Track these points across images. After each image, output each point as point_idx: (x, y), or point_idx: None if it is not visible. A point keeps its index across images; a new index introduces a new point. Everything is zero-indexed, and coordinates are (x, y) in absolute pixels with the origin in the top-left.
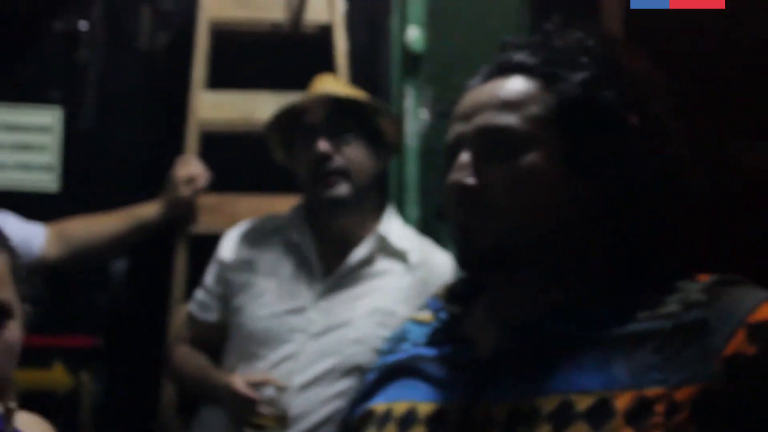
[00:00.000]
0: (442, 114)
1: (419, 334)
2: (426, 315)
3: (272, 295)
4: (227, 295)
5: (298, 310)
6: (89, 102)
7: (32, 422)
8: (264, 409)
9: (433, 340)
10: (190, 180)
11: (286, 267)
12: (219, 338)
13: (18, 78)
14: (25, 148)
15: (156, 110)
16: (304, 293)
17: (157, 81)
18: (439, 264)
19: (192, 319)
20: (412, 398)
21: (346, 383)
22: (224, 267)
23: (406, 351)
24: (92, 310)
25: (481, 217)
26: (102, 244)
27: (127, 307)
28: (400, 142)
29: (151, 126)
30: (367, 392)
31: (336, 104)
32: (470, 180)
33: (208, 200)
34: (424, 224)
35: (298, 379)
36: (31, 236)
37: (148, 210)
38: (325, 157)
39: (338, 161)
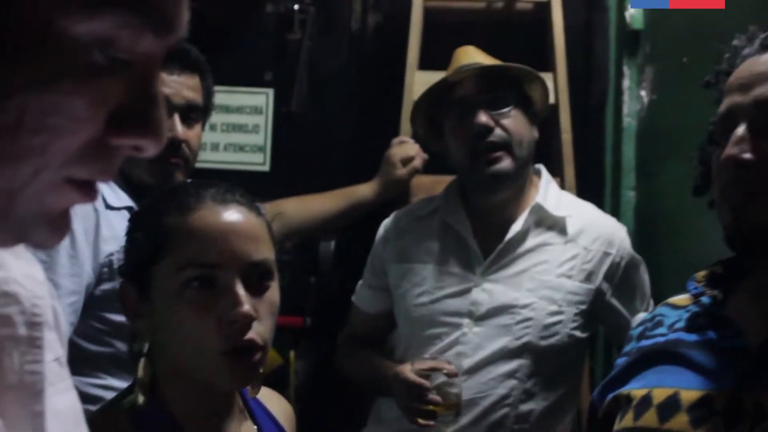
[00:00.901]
0: (707, 83)
1: (675, 317)
2: (682, 298)
3: (433, 281)
4: (386, 285)
5: (461, 293)
6: (301, 83)
7: (271, 395)
8: (435, 397)
9: (693, 325)
10: (407, 160)
11: (444, 250)
12: (384, 329)
13: (232, 61)
14: (239, 128)
15: (367, 91)
16: (466, 275)
17: (368, 62)
18: (600, 229)
19: (356, 311)
20: (674, 384)
21: (517, 363)
22: (381, 257)
23: (664, 335)
24: (301, 291)
25: (758, 194)
26: (317, 223)
27: (334, 288)
28: (547, 108)
29: (361, 106)
30: (620, 376)
31: (489, 75)
32: (748, 155)
33: (422, 181)
34: (641, 207)
35: (468, 363)
36: None
37: (364, 190)
38: (487, 130)
39: (499, 134)
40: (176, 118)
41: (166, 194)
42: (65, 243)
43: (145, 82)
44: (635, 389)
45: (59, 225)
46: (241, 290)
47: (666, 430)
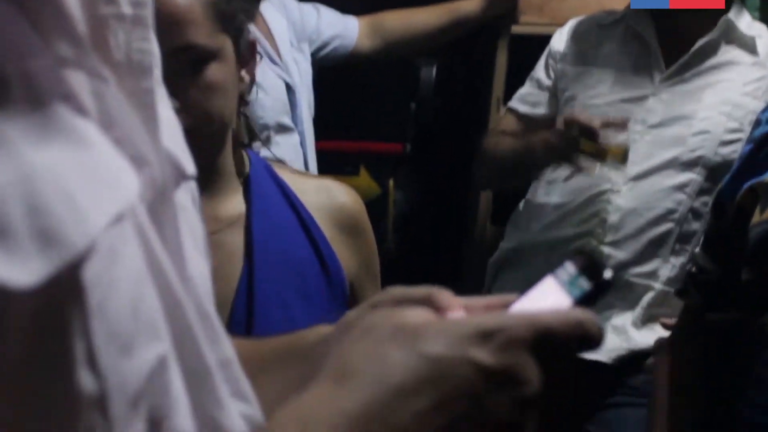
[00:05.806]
0: None
1: None
2: None
3: (609, 84)
4: (557, 88)
5: (637, 99)
6: None
7: (329, 186)
8: (606, 138)
9: None
10: None
11: (625, 57)
12: None
13: None
14: None
15: None
16: (644, 83)
17: None
18: None
19: (513, 115)
20: None
21: (687, 176)
22: (557, 59)
23: None
24: (400, 117)
25: None
26: (419, 37)
27: (435, 115)
28: None
29: None
30: (754, 164)
31: None
32: None
33: None
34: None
35: (636, 170)
36: (347, 28)
37: (469, 5)
38: None
39: None
40: None
41: None
42: None
43: None
44: None
45: None
46: None
47: None
